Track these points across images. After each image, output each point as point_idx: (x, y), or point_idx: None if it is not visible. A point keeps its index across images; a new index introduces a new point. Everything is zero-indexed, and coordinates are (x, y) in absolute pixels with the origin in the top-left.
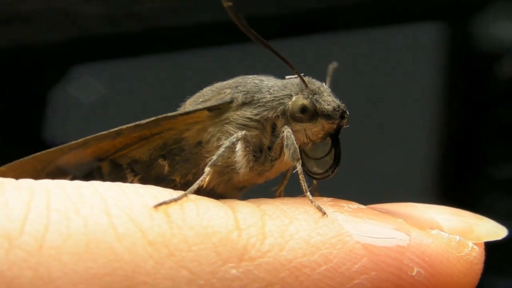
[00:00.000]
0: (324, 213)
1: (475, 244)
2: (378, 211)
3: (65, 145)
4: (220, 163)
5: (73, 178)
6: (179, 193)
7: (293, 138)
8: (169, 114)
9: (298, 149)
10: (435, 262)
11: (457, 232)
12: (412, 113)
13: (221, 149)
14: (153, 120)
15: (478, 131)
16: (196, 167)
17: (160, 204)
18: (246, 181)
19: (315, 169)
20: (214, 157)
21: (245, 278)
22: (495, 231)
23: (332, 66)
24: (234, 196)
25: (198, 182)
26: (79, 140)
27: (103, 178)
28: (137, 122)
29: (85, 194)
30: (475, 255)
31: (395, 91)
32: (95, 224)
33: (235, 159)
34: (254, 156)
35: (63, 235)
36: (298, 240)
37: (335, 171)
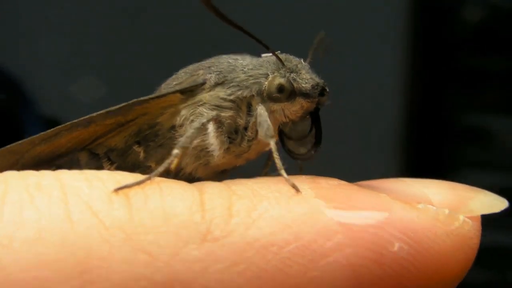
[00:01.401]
0: (298, 190)
1: (468, 217)
2: (360, 186)
3: (36, 136)
4: (189, 145)
5: (56, 169)
6: (145, 177)
7: (266, 115)
8: (141, 98)
9: (271, 126)
10: (420, 237)
11: (448, 206)
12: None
13: (190, 131)
14: (125, 105)
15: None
16: (171, 152)
17: (121, 188)
18: (225, 164)
19: (297, 149)
20: (183, 139)
21: (207, 259)
22: (492, 204)
23: (319, 36)
24: (215, 181)
25: (164, 164)
26: (50, 130)
27: (81, 169)
28: (108, 109)
29: (44, 183)
30: (468, 229)
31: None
32: (49, 212)
33: (208, 141)
34: (229, 137)
35: (16, 225)
36: (266, 219)
37: (318, 150)
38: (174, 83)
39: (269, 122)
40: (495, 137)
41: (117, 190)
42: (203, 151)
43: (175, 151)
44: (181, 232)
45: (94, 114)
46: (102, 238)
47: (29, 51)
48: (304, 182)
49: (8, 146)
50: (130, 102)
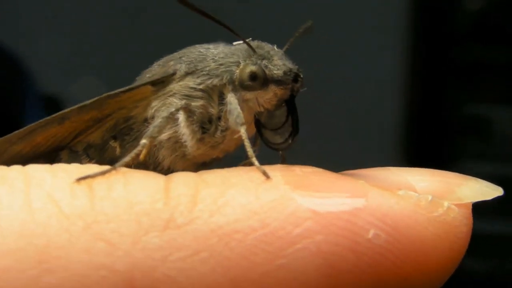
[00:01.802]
0: (268, 177)
1: (455, 205)
2: (338, 174)
3: (12, 134)
4: (156, 135)
5: None
6: (110, 167)
7: (236, 102)
8: (112, 92)
9: (241, 114)
10: (399, 224)
11: (432, 193)
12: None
13: (158, 120)
14: (97, 99)
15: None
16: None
17: (84, 178)
18: (202, 156)
19: (274, 139)
20: (150, 128)
21: (168, 247)
22: (484, 191)
23: (306, 25)
24: None
25: (131, 154)
26: (24, 128)
27: None
28: (81, 104)
29: (10, 176)
30: (454, 216)
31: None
32: (9, 202)
33: (180, 131)
34: (203, 127)
35: None
36: (233, 206)
37: (295, 138)
38: (147, 75)
39: (239, 109)
40: (495, 128)
41: (80, 180)
42: (177, 143)
43: (143, 141)
44: (142, 220)
45: (67, 109)
46: (62, 227)
47: (29, 51)
48: (276, 169)
49: None
50: (102, 96)
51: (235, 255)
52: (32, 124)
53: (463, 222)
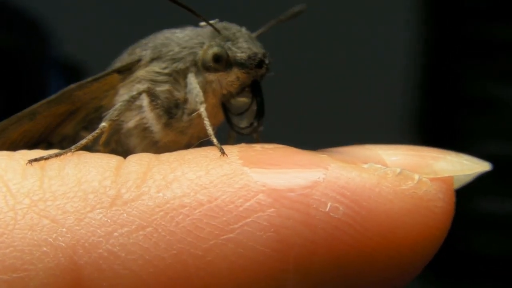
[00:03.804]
0: (224, 153)
1: (430, 179)
2: (302, 150)
3: None
4: (116, 118)
5: None
6: (65, 150)
7: (195, 82)
8: (78, 83)
9: (200, 93)
10: (359, 196)
11: (405, 167)
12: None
13: (119, 103)
14: (63, 92)
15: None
16: (116, 134)
17: (38, 159)
18: (173, 142)
19: (240, 123)
20: (110, 111)
21: (112, 223)
22: (464, 165)
23: (299, 8)
24: None
25: (88, 137)
26: None
27: None
28: (49, 97)
29: None
30: (426, 189)
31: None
32: None
33: (144, 115)
34: (170, 112)
35: None
36: (182, 181)
37: (261, 122)
38: (117, 64)
39: (198, 88)
40: (507, 106)
41: (32, 161)
42: (146, 130)
43: (102, 124)
44: (89, 197)
45: (36, 104)
46: (7, 205)
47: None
48: (236, 147)
49: None
50: (68, 88)
51: (179, 230)
52: (3, 122)
53: (437, 196)
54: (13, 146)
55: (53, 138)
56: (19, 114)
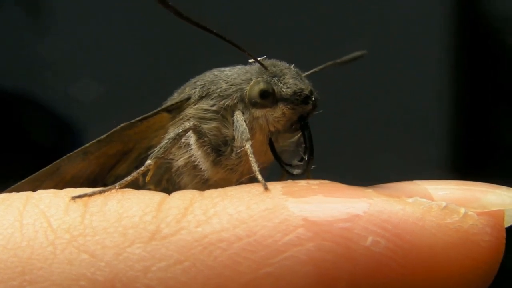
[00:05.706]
0: (267, 189)
1: (477, 213)
2: (347, 186)
3: (39, 172)
4: (161, 155)
5: None
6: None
7: (242, 119)
8: (127, 123)
9: (246, 130)
10: (402, 230)
11: (452, 201)
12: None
13: (165, 141)
14: (113, 132)
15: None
16: (167, 173)
17: (82, 196)
18: (223, 180)
19: (289, 162)
20: (156, 149)
21: (151, 257)
22: None
23: (359, 53)
24: None
25: (133, 174)
26: (50, 165)
27: None
28: (99, 138)
29: (12, 198)
30: (473, 223)
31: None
32: (1, 219)
33: (192, 153)
34: (219, 150)
35: None
36: (221, 216)
37: (310, 160)
38: (168, 103)
39: (244, 125)
40: None
41: (76, 198)
42: (195, 168)
43: (148, 161)
44: (128, 232)
45: (88, 144)
46: (47, 240)
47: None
48: (281, 183)
49: (14, 186)
50: (119, 126)
51: (218, 264)
52: (57, 161)
53: (485, 230)
54: (67, 186)
55: (108, 179)
56: (71, 153)
